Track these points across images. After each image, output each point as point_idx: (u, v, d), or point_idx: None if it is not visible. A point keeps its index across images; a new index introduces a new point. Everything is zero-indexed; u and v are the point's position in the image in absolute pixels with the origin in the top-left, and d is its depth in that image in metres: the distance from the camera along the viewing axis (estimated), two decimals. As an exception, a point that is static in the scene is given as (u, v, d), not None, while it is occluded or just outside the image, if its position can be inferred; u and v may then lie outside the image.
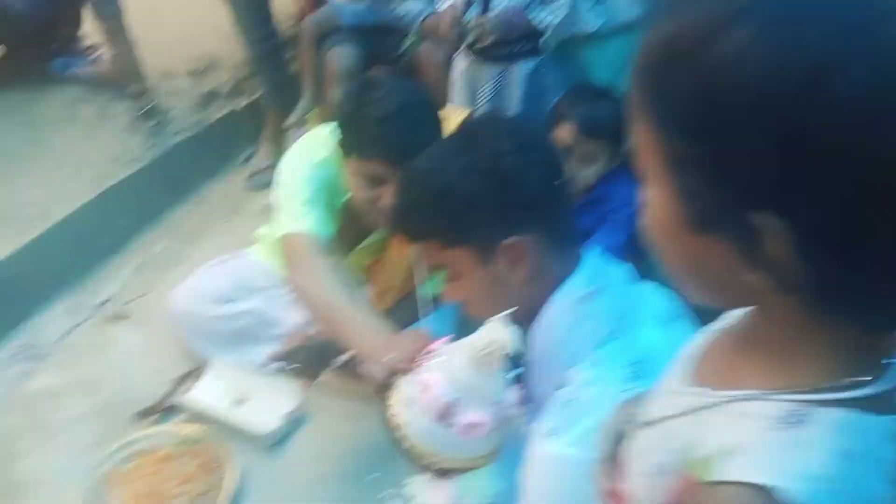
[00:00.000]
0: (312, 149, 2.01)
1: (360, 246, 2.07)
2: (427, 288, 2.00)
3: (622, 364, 1.15)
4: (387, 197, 1.79)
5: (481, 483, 1.27)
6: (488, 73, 2.47)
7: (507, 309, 1.16)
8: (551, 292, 1.19)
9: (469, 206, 1.17)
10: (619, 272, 1.25)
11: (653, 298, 1.28)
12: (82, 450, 2.20)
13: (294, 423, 2.22)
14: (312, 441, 2.19)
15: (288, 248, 1.92)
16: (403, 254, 2.01)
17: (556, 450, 1.10)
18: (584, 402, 1.12)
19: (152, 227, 3.08)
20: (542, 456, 1.13)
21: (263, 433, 2.15)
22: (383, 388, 1.34)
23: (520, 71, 2.44)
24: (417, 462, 1.25)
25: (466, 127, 1.26)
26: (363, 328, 1.65)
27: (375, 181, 1.82)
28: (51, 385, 2.43)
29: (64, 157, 2.97)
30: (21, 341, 2.58)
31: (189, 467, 2.09)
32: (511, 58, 2.43)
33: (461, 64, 2.56)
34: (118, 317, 2.66)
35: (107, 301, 2.74)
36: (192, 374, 2.36)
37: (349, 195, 1.98)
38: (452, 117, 2.11)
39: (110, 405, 2.33)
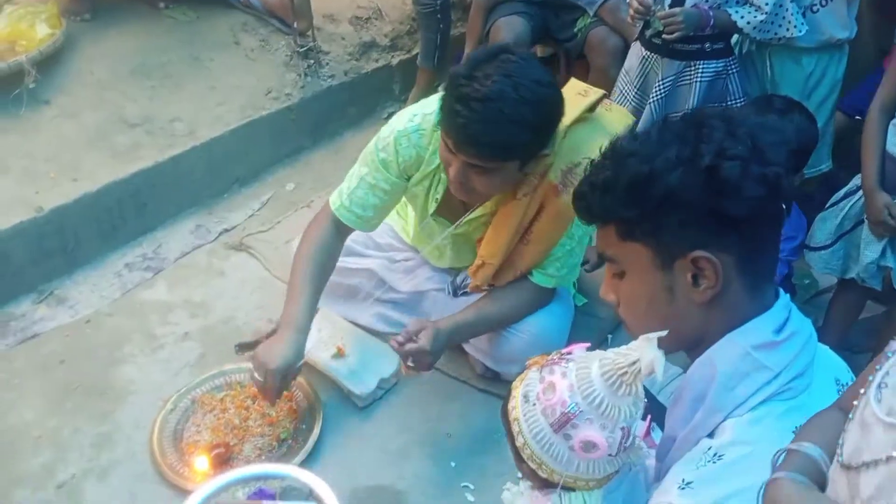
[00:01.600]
0: (425, 110, 1.91)
1: (466, 218, 1.96)
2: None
3: (788, 429, 0.99)
4: (453, 168, 1.70)
5: (583, 507, 1.14)
6: (668, 68, 2.29)
7: (673, 329, 1.02)
8: (726, 326, 1.04)
9: (667, 201, 1.00)
10: (808, 325, 1.08)
11: (834, 362, 1.13)
12: (181, 367, 2.21)
13: (388, 389, 2.15)
14: (401, 412, 2.12)
15: (321, 210, 2.05)
16: (504, 231, 1.89)
17: None
18: (732, 461, 0.98)
19: (287, 165, 3.08)
20: None
21: (356, 392, 2.09)
22: None
23: (703, 71, 2.25)
24: (524, 461, 1.14)
25: (696, 114, 1.07)
26: (285, 311, 1.92)
27: (447, 148, 1.70)
28: (163, 299, 2.46)
29: (218, 81, 3.00)
30: (143, 251, 2.63)
31: (277, 410, 2.05)
32: (696, 55, 2.25)
33: (638, 54, 2.38)
34: (238, 246, 2.67)
35: (231, 229, 2.76)
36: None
37: None
38: (614, 112, 1.97)
39: (214, 331, 2.34)
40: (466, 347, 2.15)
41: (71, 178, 2.52)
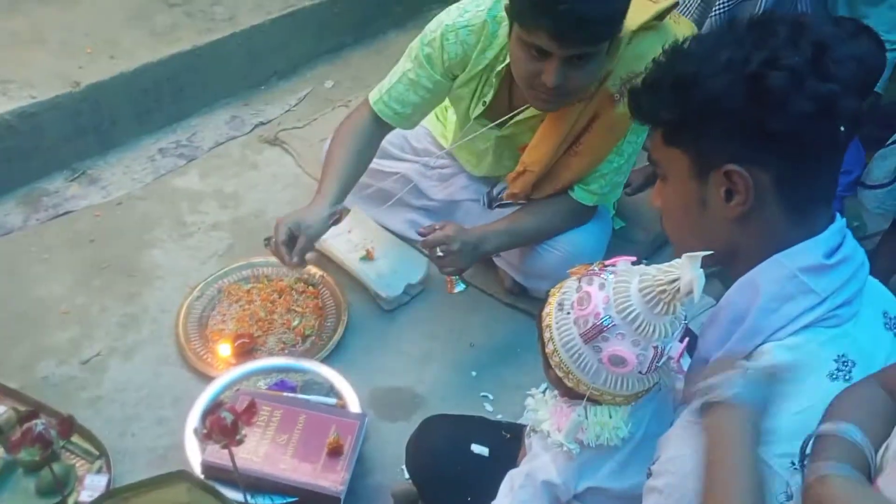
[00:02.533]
0: (476, 5, 1.80)
1: (515, 119, 1.87)
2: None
3: (828, 357, 0.95)
4: (549, 73, 1.58)
5: (608, 422, 1.12)
6: None
7: (703, 242, 0.98)
8: (763, 246, 0.99)
9: (707, 107, 0.95)
10: (861, 254, 1.03)
11: (884, 294, 1.07)
12: (208, 256, 2.21)
13: (414, 295, 2.14)
14: (426, 318, 2.11)
15: (360, 104, 1.99)
16: (552, 138, 1.81)
17: None
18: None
19: (328, 61, 3.00)
20: (695, 426, 0.96)
21: (383, 295, 2.07)
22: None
23: None
24: (551, 368, 1.11)
25: (764, 17, 0.99)
26: (319, 185, 1.91)
27: (538, 54, 1.58)
28: (194, 187, 2.44)
29: (264, -33, 2.89)
30: (178, 137, 2.60)
31: (303, 306, 2.05)
32: (765, -34, 2.11)
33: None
34: (273, 141, 2.62)
35: (266, 123, 2.71)
36: (331, 216, 2.28)
37: (507, 63, 1.76)
38: (682, 24, 1.85)
39: (244, 223, 2.32)
40: (496, 261, 2.11)
41: (108, 55, 2.48)
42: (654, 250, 2.32)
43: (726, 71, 0.94)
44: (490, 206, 2.07)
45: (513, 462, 1.29)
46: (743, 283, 1.01)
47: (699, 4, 2.25)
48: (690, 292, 0.96)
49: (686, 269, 0.96)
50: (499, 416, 1.86)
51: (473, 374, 1.98)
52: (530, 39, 1.56)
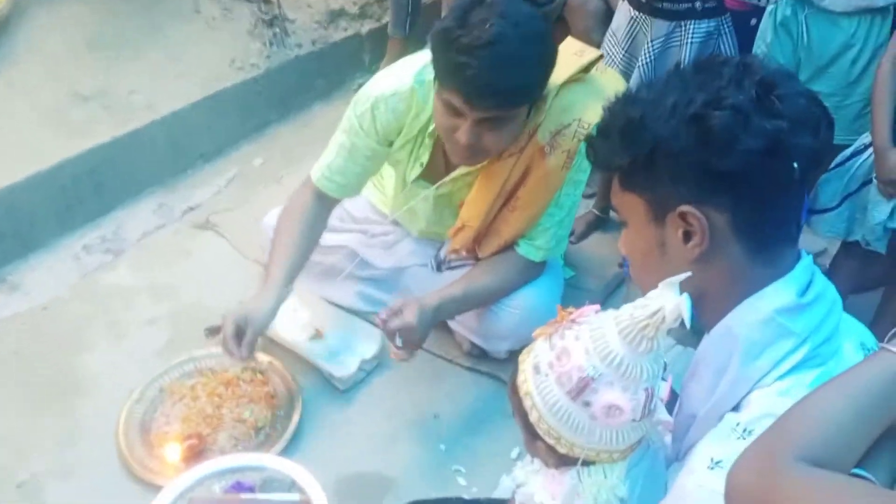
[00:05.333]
0: (403, 72, 1.80)
1: (450, 177, 1.86)
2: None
3: None
4: (462, 132, 1.58)
5: (604, 482, 1.05)
6: (657, 29, 2.18)
7: (657, 283, 0.94)
8: (728, 289, 0.97)
9: (656, 150, 0.94)
10: (832, 289, 1.00)
11: (856, 326, 1.04)
12: (148, 355, 2.08)
13: (370, 371, 2.04)
14: (385, 394, 2.01)
15: (302, 183, 1.96)
16: (488, 193, 1.81)
17: (719, 488, 0.85)
18: None
19: (254, 139, 2.94)
20: (700, 491, 0.91)
21: (337, 375, 1.97)
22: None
23: (694, 31, 2.15)
24: (537, 439, 1.05)
25: (710, 60, 1.00)
26: (266, 273, 1.88)
27: (453, 112, 1.59)
28: (125, 283, 2.32)
29: (178, 52, 2.84)
30: (102, 232, 2.48)
31: (253, 396, 1.93)
32: (686, 15, 2.14)
33: (626, 14, 2.26)
34: (204, 226, 2.53)
35: (195, 208, 2.62)
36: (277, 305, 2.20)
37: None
38: (608, 75, 1.86)
39: (182, 315, 2.20)
40: (452, 325, 2.05)
41: (22, 157, 2.36)
42: (607, 296, 2.29)
43: (672, 114, 0.93)
44: (439, 269, 2.02)
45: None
46: (719, 333, 0.98)
47: (623, 56, 2.28)
48: (679, 317, 0.92)
49: (667, 297, 0.93)
50: (474, 490, 1.77)
51: (442, 447, 1.88)
52: (447, 97, 1.57)
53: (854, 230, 2.05)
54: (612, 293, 2.32)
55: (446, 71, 1.54)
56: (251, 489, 1.67)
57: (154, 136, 2.61)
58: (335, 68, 3.22)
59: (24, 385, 1.98)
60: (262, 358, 2.01)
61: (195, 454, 1.78)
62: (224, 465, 1.72)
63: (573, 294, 2.14)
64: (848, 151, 2.02)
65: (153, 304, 2.24)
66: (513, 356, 2.04)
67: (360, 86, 3.24)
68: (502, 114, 1.58)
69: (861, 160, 1.99)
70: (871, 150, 1.95)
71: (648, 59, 2.19)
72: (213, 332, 2.09)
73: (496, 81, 1.49)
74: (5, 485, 1.75)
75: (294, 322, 2.08)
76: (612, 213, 2.55)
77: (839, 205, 2.04)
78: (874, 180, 1.94)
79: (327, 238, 2.12)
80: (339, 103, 3.22)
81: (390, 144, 1.85)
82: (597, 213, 2.54)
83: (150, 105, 2.65)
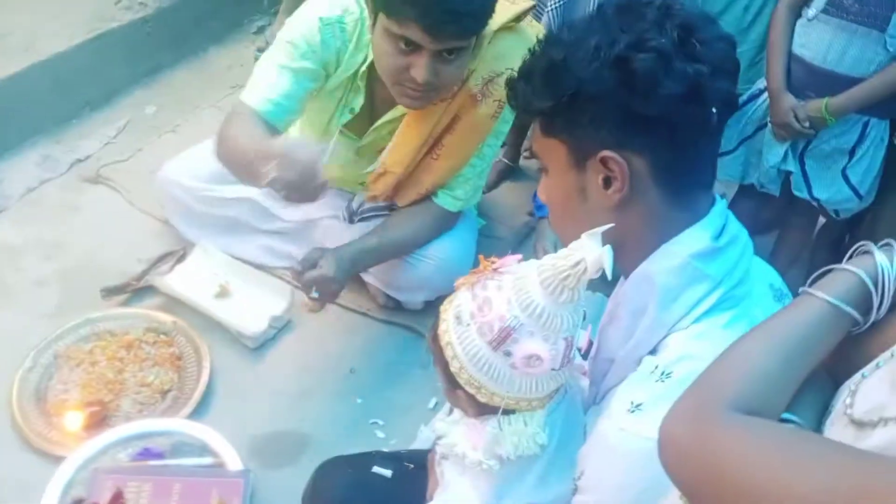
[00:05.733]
0: (331, 3, 1.68)
1: (379, 122, 1.79)
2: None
3: (732, 339, 0.92)
4: (419, 68, 1.51)
5: (524, 430, 1.06)
6: None
7: (578, 229, 0.95)
8: (647, 234, 0.98)
9: (578, 94, 0.93)
10: (744, 232, 1.03)
11: (764, 268, 1.08)
12: (38, 318, 1.95)
13: (280, 328, 1.98)
14: (297, 350, 1.96)
15: (232, 112, 1.67)
16: (414, 139, 1.75)
17: (641, 431, 0.89)
18: (681, 378, 0.90)
19: (145, 85, 2.76)
20: (621, 434, 0.92)
21: (246, 333, 1.90)
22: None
23: None
24: (458, 388, 1.04)
25: (629, 1, 0.97)
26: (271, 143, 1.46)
27: (407, 47, 1.51)
28: (9, 241, 2.15)
29: (57, -11, 2.62)
30: (-19, 187, 2.29)
31: (157, 358, 1.84)
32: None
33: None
34: (94, 179, 2.37)
35: (84, 159, 2.44)
36: (173, 255, 2.09)
37: (371, 61, 1.67)
38: (536, 28, 1.83)
39: (74, 275, 2.07)
40: (366, 278, 2.00)
41: None
42: (518, 243, 2.30)
43: (594, 56, 0.91)
44: (351, 221, 1.97)
45: (421, 495, 1.21)
46: (637, 277, 0.99)
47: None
48: (600, 268, 0.93)
49: (589, 248, 0.92)
50: (393, 442, 1.76)
51: (359, 401, 1.86)
52: (400, 32, 1.48)
53: (749, 173, 2.12)
54: (523, 241, 2.33)
55: (401, 1, 1.44)
56: (160, 456, 1.60)
57: (34, 81, 2.40)
58: (231, 8, 3.04)
59: None
60: (165, 318, 1.92)
61: (98, 422, 1.70)
62: (130, 432, 1.65)
63: (486, 243, 2.13)
64: (745, 96, 2.06)
65: (41, 263, 2.09)
66: (428, 307, 2.06)
67: (260, 28, 3.14)
68: (461, 43, 1.52)
69: (756, 104, 2.05)
70: (766, 94, 2.01)
71: (557, 5, 2.16)
72: (110, 292, 1.98)
73: (460, 6, 1.43)
74: None
75: (198, 279, 1.99)
76: (521, 163, 2.55)
77: (735, 149, 2.10)
78: (769, 124, 2.00)
79: (229, 190, 2.02)
80: (236, 46, 3.06)
81: (326, 79, 1.72)
82: (507, 161, 2.53)
83: (28, 47, 2.43)
